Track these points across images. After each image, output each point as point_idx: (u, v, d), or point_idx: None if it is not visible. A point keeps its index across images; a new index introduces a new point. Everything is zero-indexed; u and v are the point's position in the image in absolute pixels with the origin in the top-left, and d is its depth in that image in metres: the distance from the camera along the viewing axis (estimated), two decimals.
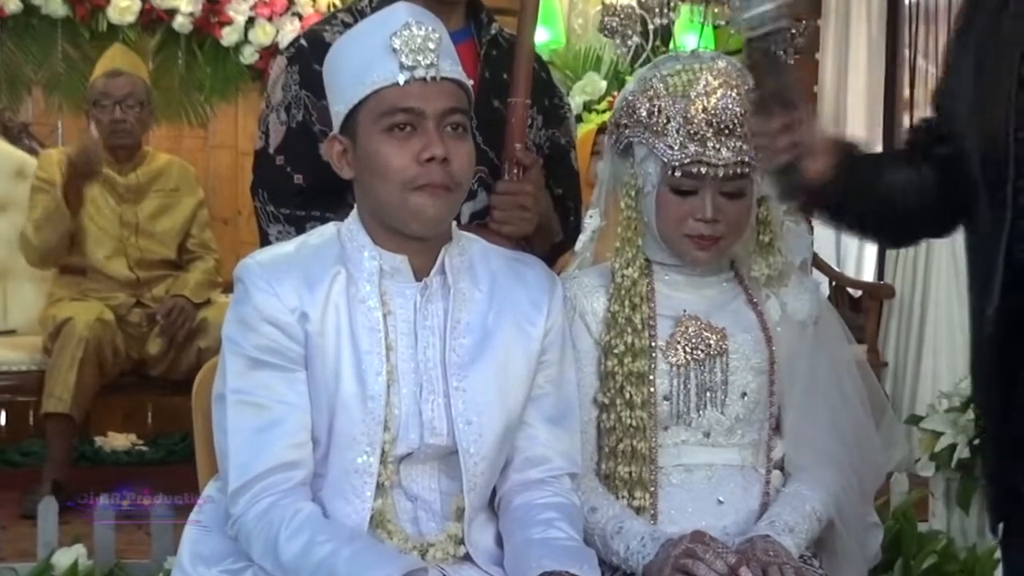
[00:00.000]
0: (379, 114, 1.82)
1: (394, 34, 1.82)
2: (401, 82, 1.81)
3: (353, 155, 1.87)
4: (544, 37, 2.62)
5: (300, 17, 5.34)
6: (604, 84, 5.71)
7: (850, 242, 6.15)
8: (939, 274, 5.03)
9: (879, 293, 5.35)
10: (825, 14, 6.27)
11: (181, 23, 5.21)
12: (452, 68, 1.87)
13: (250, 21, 5.30)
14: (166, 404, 5.18)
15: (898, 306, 5.30)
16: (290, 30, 5.30)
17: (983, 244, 1.77)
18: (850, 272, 6.08)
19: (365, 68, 1.83)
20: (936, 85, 1.94)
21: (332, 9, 5.29)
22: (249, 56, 5.34)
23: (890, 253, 5.56)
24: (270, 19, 5.32)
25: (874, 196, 1.90)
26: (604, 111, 5.59)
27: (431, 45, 1.83)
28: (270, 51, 5.32)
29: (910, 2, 6.34)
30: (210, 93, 5.42)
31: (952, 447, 3.47)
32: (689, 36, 2.70)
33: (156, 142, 5.14)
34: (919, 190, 1.90)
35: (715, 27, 2.26)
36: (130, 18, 5.13)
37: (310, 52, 2.33)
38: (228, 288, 4.53)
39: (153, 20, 5.21)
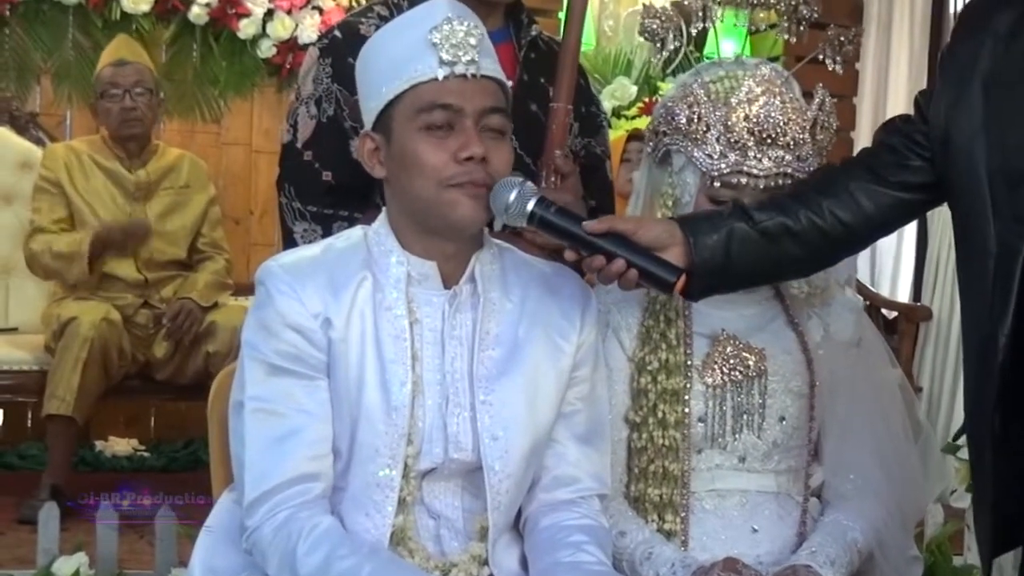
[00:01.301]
0: (416, 110, 1.82)
1: (434, 28, 1.82)
2: (440, 77, 1.81)
3: (386, 153, 1.86)
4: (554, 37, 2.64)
5: (320, 11, 5.35)
6: (635, 89, 5.72)
7: (885, 260, 6.13)
8: None
9: (915, 315, 5.34)
10: (866, 22, 6.25)
11: (197, 14, 5.23)
12: (492, 67, 1.87)
13: (269, 14, 5.32)
14: (170, 409, 5.19)
15: (935, 329, 5.29)
16: (310, 24, 5.32)
17: (990, 264, 1.75)
18: (884, 292, 6.06)
19: (402, 63, 1.83)
20: (922, 100, 1.91)
21: (352, 3, 5.33)
22: (266, 50, 5.37)
23: (928, 273, 5.55)
24: (289, 12, 5.33)
25: (778, 247, 1.91)
26: (634, 117, 5.60)
27: (472, 41, 1.82)
28: (288, 45, 5.35)
29: (955, 11, 6.32)
30: (225, 88, 5.43)
31: None
32: (728, 42, 2.70)
33: (167, 137, 5.15)
34: (842, 220, 1.89)
35: (753, 32, 2.26)
36: (144, 7, 5.16)
37: (344, 44, 2.32)
38: (238, 290, 4.58)
39: (168, 10, 5.23)
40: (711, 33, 2.18)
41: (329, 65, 2.36)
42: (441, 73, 1.81)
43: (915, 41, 6.27)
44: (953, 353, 5.18)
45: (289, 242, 2.35)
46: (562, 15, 5.31)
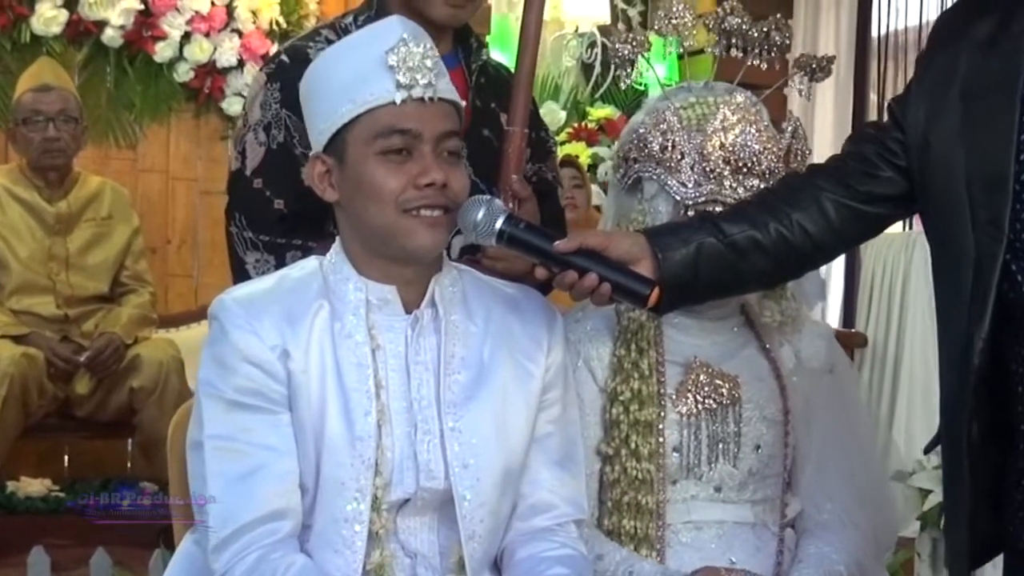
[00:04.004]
0: (373, 135, 1.81)
1: (390, 50, 1.81)
2: (398, 101, 1.80)
3: (339, 176, 1.85)
4: (501, 62, 2.66)
5: (240, 34, 5.32)
6: (564, 114, 5.77)
7: None
8: (915, 321, 5.09)
9: (851, 342, 5.39)
10: (793, 47, 6.34)
11: (111, 36, 5.17)
12: (447, 88, 1.87)
13: (186, 36, 5.28)
14: (86, 447, 5.08)
15: (870, 355, 5.35)
16: (229, 47, 5.29)
17: (968, 272, 1.77)
18: (814, 317, 6.11)
19: (357, 85, 1.82)
20: (896, 107, 1.93)
21: (273, 26, 5.31)
22: (183, 74, 5.32)
23: (861, 299, 5.61)
24: (207, 35, 5.29)
25: (748, 261, 1.91)
26: (564, 143, 5.64)
27: (429, 64, 1.82)
28: (207, 69, 5.31)
29: (879, 35, 6.44)
30: (140, 112, 5.37)
31: (941, 506, 3.47)
32: (657, 67, 2.71)
33: (81, 163, 5.05)
34: (809, 234, 1.91)
35: (680, 56, 2.28)
36: (56, 29, 5.10)
37: (293, 69, 2.29)
38: (162, 323, 4.50)
39: (81, 32, 5.17)
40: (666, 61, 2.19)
41: (277, 90, 2.34)
42: (399, 97, 1.80)
43: (840, 68, 6.37)
44: (889, 380, 5.25)
45: (240, 273, 2.32)
46: (490, 38, 5.36)
